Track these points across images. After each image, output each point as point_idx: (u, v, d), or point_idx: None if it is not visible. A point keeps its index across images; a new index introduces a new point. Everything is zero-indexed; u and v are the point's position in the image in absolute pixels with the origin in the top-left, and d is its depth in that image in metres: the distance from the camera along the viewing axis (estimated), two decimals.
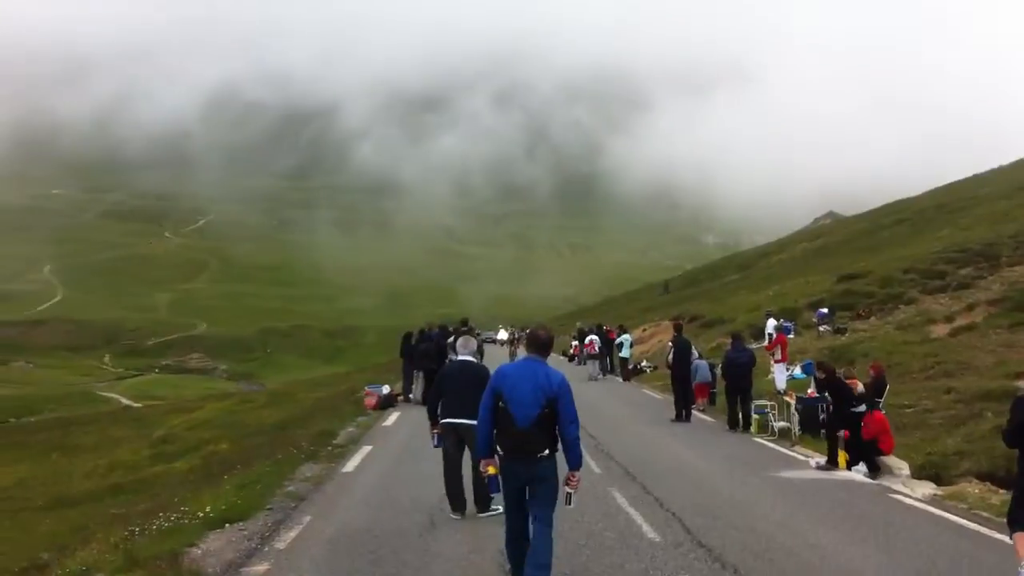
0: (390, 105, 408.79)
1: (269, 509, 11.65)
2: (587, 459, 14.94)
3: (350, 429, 19.98)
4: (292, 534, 10.11)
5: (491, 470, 7.62)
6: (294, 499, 12.30)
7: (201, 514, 11.22)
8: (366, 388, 25.61)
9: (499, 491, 7.74)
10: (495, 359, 27.23)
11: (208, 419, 43.50)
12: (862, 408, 15.54)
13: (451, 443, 10.48)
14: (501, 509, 8.08)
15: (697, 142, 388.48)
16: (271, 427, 34.76)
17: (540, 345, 7.78)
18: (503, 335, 49.56)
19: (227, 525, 10.70)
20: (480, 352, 22.22)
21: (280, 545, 9.67)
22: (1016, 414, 7.59)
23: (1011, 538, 7.73)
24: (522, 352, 15.13)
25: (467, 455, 10.52)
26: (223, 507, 11.41)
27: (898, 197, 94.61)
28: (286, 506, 11.84)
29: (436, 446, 10.79)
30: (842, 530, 10.32)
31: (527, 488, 7.52)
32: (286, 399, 45.92)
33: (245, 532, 10.42)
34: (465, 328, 25.46)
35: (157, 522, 11.58)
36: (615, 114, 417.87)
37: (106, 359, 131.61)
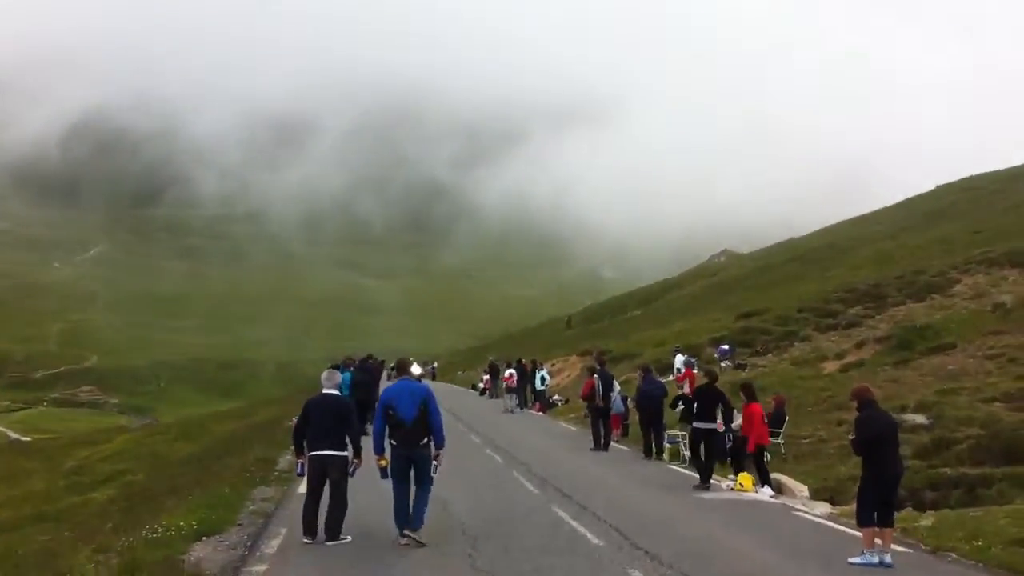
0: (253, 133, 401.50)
1: (239, 524, 12.69)
2: (525, 482, 16.38)
3: (287, 456, 20.77)
4: (276, 542, 11.24)
5: (383, 463, 11.07)
6: (261, 516, 13.36)
7: (173, 530, 12.12)
8: (294, 419, 26.32)
9: (387, 478, 11.07)
10: None
11: (120, 451, 43.39)
12: (708, 425, 17.06)
13: (315, 474, 11.22)
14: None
15: (580, 176, 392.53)
16: (188, 458, 35.15)
17: (407, 369, 12.10)
18: (416, 370, 50.00)
19: (204, 538, 11.70)
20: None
21: (269, 551, 10.79)
22: (863, 431, 10.06)
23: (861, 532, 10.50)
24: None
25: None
26: (194, 523, 12.33)
27: (788, 233, 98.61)
28: (255, 522, 12.90)
29: (299, 474, 11.93)
30: (753, 537, 11.94)
31: (412, 467, 11.02)
32: (197, 431, 45.94)
33: (226, 543, 11.48)
34: (372, 360, 27.83)
35: (134, 536, 12.47)
36: (491, 148, 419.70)
37: None
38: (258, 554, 10.66)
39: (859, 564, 10.31)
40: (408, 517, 10.97)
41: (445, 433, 11.31)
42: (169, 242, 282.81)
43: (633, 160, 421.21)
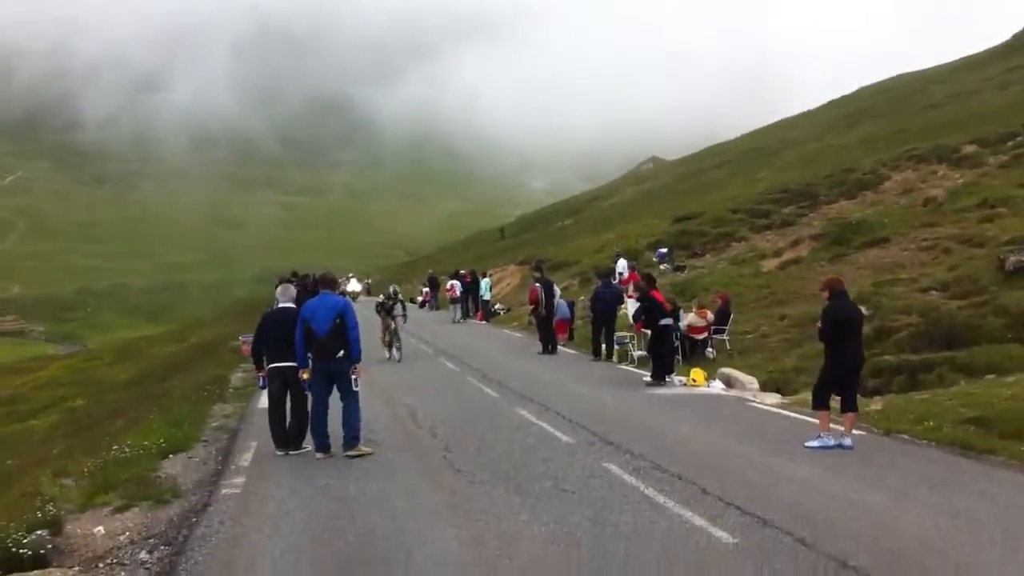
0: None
1: (205, 441, 12.71)
2: (483, 386, 16.57)
3: (239, 374, 20.75)
4: (248, 456, 11.26)
5: (305, 375, 11.08)
6: (225, 431, 13.38)
7: (141, 449, 12.04)
8: (240, 337, 26.13)
9: (309, 391, 11.16)
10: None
11: (56, 377, 42.87)
12: (668, 321, 17.77)
13: (276, 386, 11.36)
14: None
15: (486, 89, 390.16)
16: (128, 381, 34.84)
17: (329, 283, 11.70)
18: (355, 286, 49.57)
19: (171, 456, 11.67)
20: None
21: (243, 463, 10.81)
22: (831, 314, 10.40)
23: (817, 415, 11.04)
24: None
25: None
26: (161, 441, 12.26)
27: (710, 139, 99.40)
28: (220, 438, 12.92)
29: (262, 388, 11.98)
30: (716, 428, 12.29)
31: (333, 382, 11.03)
32: (135, 355, 45.51)
33: (196, 459, 11.49)
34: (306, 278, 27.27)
35: (94, 458, 12.37)
36: (396, 63, 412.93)
37: None
38: (232, 467, 10.67)
39: (816, 447, 10.64)
40: (325, 432, 10.99)
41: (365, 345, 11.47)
42: (84, 168, 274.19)
43: (540, 72, 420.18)
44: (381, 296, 24.32)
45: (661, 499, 8.36)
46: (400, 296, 23.86)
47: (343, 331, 10.83)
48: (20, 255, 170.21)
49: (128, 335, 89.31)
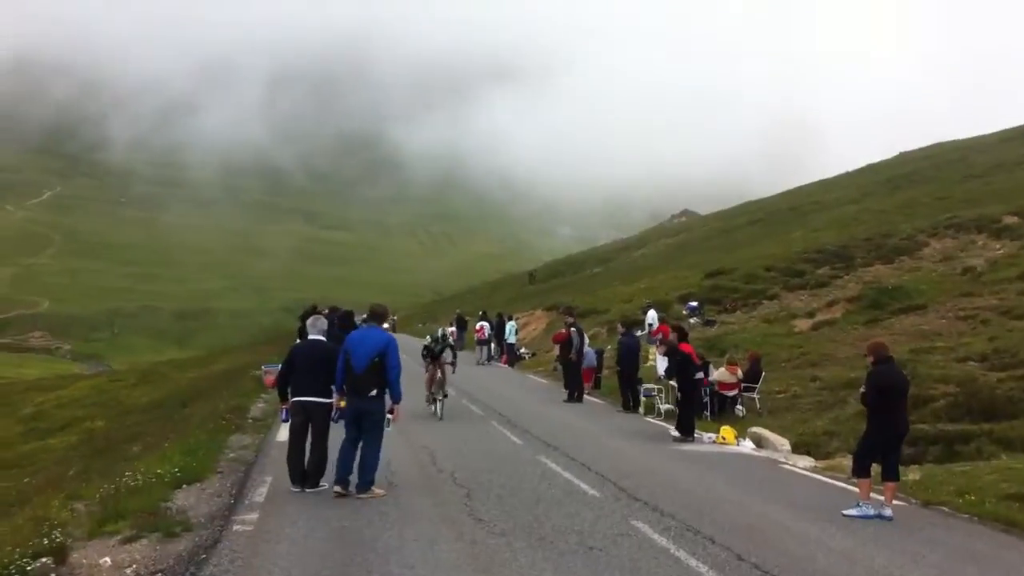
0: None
1: (220, 472, 12.33)
2: (507, 432, 16.17)
3: (260, 404, 20.44)
4: (263, 490, 10.87)
5: (341, 404, 10.67)
6: (241, 464, 12.99)
7: (153, 477, 11.70)
8: (263, 367, 25.94)
9: (341, 420, 10.75)
10: None
11: (78, 397, 42.78)
12: (700, 375, 17.44)
13: (299, 420, 10.95)
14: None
15: (523, 134, 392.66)
16: (149, 405, 34.65)
17: (377, 316, 11.15)
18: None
19: (185, 485, 11.31)
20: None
21: (258, 499, 10.44)
22: (878, 380, 10.22)
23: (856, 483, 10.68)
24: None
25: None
26: (175, 470, 11.92)
27: (743, 195, 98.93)
28: (236, 469, 12.54)
29: (284, 420, 11.54)
30: (748, 490, 11.81)
31: (360, 418, 10.54)
32: (157, 379, 45.37)
33: (209, 491, 11.11)
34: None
35: (107, 483, 12.05)
36: (432, 104, 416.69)
37: None
38: (246, 502, 10.28)
39: (855, 516, 10.18)
40: (349, 468, 10.57)
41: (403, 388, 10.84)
42: (120, 188, 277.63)
43: (568, 118, 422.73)
44: (428, 339, 20.35)
45: (694, 563, 7.93)
46: (451, 340, 20.50)
47: (381, 370, 10.43)
48: (53, 271, 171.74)
49: (153, 358, 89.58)
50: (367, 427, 10.57)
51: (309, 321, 11.98)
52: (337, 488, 10.51)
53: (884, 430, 10.55)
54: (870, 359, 10.91)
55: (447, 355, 19.34)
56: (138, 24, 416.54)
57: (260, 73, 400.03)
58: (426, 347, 19.61)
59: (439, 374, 18.80)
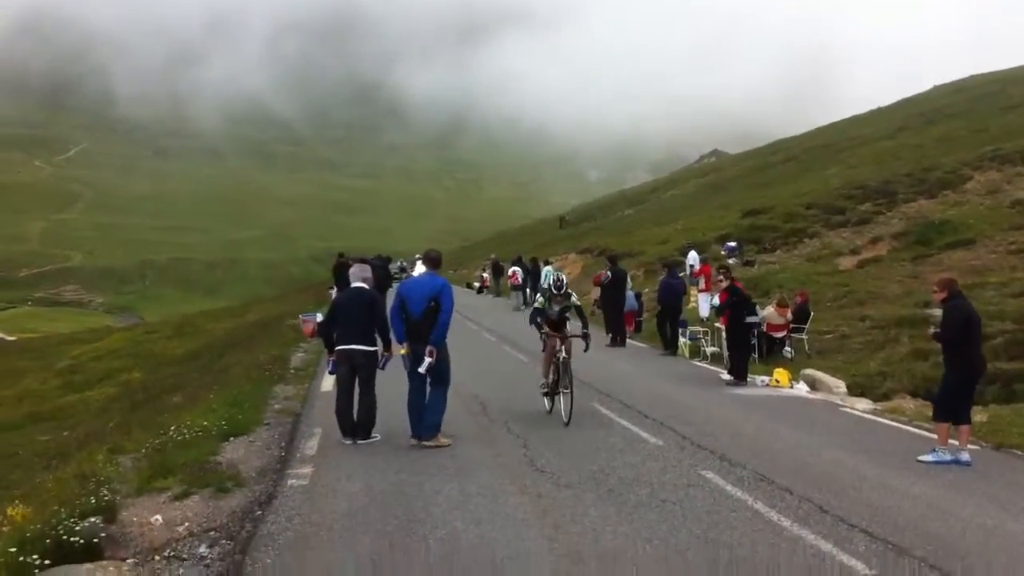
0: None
1: (267, 424, 12.04)
2: None
3: (300, 354, 20.20)
4: (313, 443, 10.57)
5: (401, 351, 10.48)
6: (288, 414, 12.71)
7: (200, 430, 11.38)
8: (301, 316, 25.69)
9: (408, 368, 10.47)
10: None
11: (114, 349, 42.90)
12: (756, 319, 16.99)
13: (344, 370, 10.67)
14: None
15: (542, 77, 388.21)
16: (186, 356, 34.62)
17: (432, 261, 11.02)
18: (421, 268, 48.75)
19: (232, 438, 11.01)
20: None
21: (309, 451, 10.13)
22: (956, 317, 9.90)
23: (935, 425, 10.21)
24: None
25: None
26: (222, 423, 11.62)
27: (774, 134, 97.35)
28: (283, 421, 12.24)
29: (331, 372, 11.14)
30: (813, 435, 11.36)
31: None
32: (192, 330, 45.38)
33: (258, 444, 10.82)
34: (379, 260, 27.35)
35: (152, 436, 11.77)
36: (465, 49, 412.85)
37: None
38: (298, 455, 9.98)
39: (931, 462, 9.71)
40: (420, 416, 10.37)
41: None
42: (144, 142, 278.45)
43: (592, 61, 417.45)
44: (538, 296, 14.27)
45: (775, 516, 7.49)
46: (573, 297, 13.07)
47: (437, 314, 10.19)
48: (82, 226, 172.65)
49: (185, 310, 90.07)
50: (433, 373, 10.30)
51: (354, 269, 11.61)
52: (413, 440, 10.36)
53: (971, 367, 10.01)
54: (942, 295, 10.26)
55: (570, 327, 12.91)
56: None
57: (265, 22, 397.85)
58: (537, 309, 13.12)
59: (562, 352, 12.30)
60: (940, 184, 36.34)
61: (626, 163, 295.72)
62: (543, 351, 12.87)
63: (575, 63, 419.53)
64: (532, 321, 12.97)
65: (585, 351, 12.62)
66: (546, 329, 12.66)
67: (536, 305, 13.31)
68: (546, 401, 12.66)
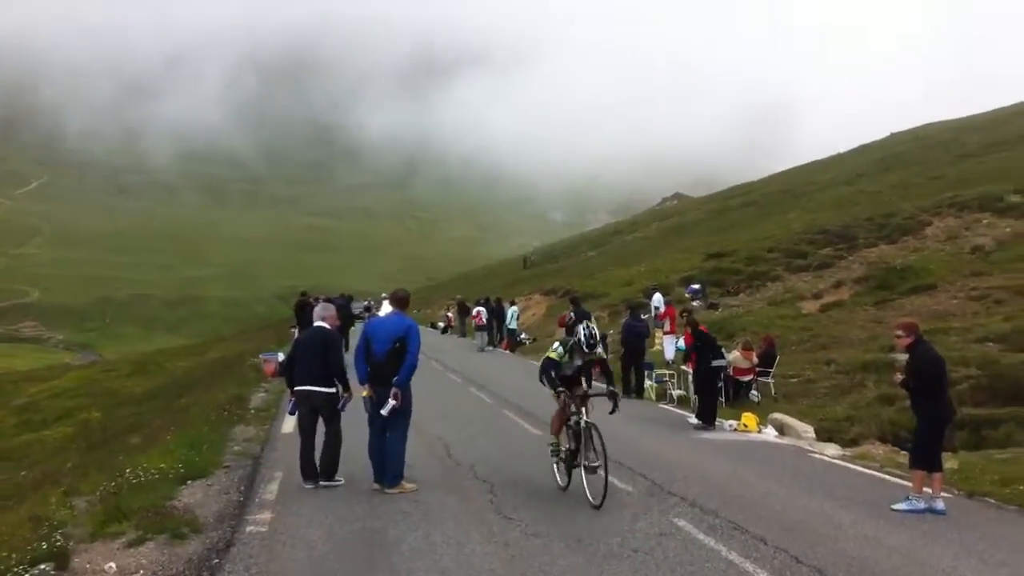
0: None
1: (226, 467, 11.70)
2: (521, 421, 15.55)
3: (261, 395, 19.82)
4: (274, 487, 10.26)
5: (364, 393, 10.06)
6: (248, 457, 12.38)
7: (156, 472, 11.02)
8: (262, 356, 25.23)
9: (368, 411, 10.08)
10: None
11: (71, 387, 42.01)
12: (723, 362, 16.88)
13: (304, 411, 10.38)
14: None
15: (503, 119, 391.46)
16: (145, 395, 33.96)
17: (399, 301, 10.73)
18: (387, 308, 48.36)
19: (190, 481, 10.70)
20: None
21: (268, 496, 9.82)
22: (928, 366, 9.75)
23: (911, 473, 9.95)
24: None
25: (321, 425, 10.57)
26: (180, 465, 11.28)
27: (729, 179, 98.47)
28: (243, 464, 11.91)
29: (291, 413, 10.86)
30: (783, 482, 11.20)
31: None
32: (152, 368, 44.62)
33: (216, 487, 10.50)
34: (341, 300, 27.07)
35: (108, 478, 11.39)
36: (422, 91, 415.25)
37: None
38: (257, 500, 9.67)
39: (905, 511, 9.57)
40: (381, 461, 10.06)
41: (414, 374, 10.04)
42: (99, 178, 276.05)
43: (549, 103, 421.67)
44: (556, 346, 10.81)
45: (750, 567, 7.32)
46: (599, 348, 10.76)
47: (403, 354, 9.85)
48: (42, 261, 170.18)
49: (145, 347, 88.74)
50: (391, 418, 9.91)
51: (319, 308, 11.37)
52: (376, 485, 10.09)
53: (942, 415, 9.89)
54: (907, 340, 10.06)
55: (596, 390, 10.88)
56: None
57: (223, 61, 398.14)
58: (551, 361, 10.60)
59: (582, 415, 10.20)
60: (900, 229, 36.76)
61: (586, 205, 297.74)
62: (556, 410, 10.72)
63: (533, 104, 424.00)
64: (543, 375, 10.53)
65: (611, 413, 10.29)
66: (557, 385, 10.36)
67: (551, 355, 10.64)
68: (557, 472, 10.59)
